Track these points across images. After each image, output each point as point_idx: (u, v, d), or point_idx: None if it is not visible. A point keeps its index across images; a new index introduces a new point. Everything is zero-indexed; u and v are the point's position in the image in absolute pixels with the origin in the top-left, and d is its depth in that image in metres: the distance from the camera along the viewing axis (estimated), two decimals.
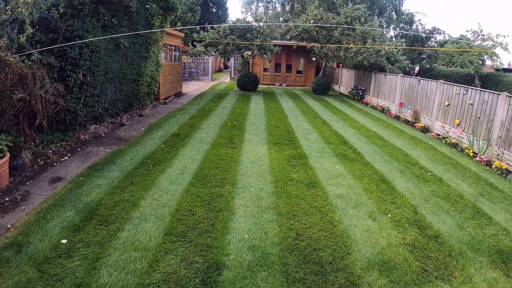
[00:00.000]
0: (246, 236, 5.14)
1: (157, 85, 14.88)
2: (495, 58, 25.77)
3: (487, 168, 9.35)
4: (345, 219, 5.82)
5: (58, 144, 8.57)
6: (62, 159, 7.87)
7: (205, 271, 4.33)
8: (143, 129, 11.25)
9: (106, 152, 8.60)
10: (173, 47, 19.02)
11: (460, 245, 5.38)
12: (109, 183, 6.66)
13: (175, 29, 18.73)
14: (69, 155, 8.21)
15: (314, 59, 26.37)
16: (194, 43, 24.36)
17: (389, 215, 6.08)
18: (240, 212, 5.82)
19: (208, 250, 4.74)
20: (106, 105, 10.55)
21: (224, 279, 4.20)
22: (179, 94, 20.04)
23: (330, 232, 5.39)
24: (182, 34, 20.92)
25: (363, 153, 9.72)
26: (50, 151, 8.01)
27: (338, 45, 20.11)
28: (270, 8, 27.93)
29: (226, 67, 47.77)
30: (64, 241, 4.73)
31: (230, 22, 22.64)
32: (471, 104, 11.21)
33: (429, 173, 8.38)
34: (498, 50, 25.43)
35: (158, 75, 14.73)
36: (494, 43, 25.45)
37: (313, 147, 9.93)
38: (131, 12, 11.20)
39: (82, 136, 9.55)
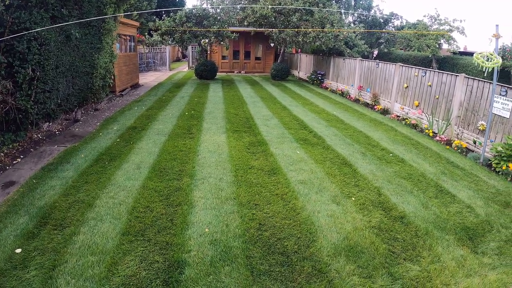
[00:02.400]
0: (207, 230, 4.93)
1: (112, 77, 14.27)
2: (452, 41, 26.84)
3: (447, 147, 9.62)
4: (309, 205, 5.71)
5: (10, 146, 8.06)
6: (14, 162, 7.37)
7: (166, 270, 4.08)
8: (98, 124, 10.70)
9: (60, 151, 8.07)
10: (128, 37, 18.55)
11: (426, 224, 5.42)
12: (63, 184, 6.22)
13: (125, 16, 17.98)
14: (22, 156, 7.70)
15: (272, 45, 26.35)
16: (151, 32, 23.54)
17: (353, 199, 6.04)
18: (200, 205, 5.58)
19: (168, 248, 4.50)
20: (59, 101, 9.88)
21: (186, 278, 3.97)
22: (136, 86, 19.35)
23: (294, 220, 5.26)
24: (137, 24, 20.17)
25: (324, 136, 9.71)
26: (2, 154, 7.52)
27: (296, 30, 20.10)
28: None
29: (184, 56, 46.70)
30: (18, 250, 4.31)
31: (187, 9, 22.03)
32: (430, 85, 11.52)
33: (391, 154, 8.49)
34: (454, 34, 26.55)
35: (113, 67, 14.12)
36: (451, 27, 26.47)
37: (273, 133, 9.81)
38: (82, 1, 10.59)
39: (35, 136, 9.04)
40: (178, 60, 45.76)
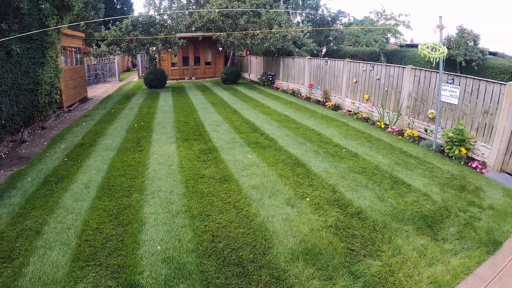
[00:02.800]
0: (159, 247, 4.61)
1: (59, 92, 13.39)
2: (398, 35, 27.76)
3: (400, 137, 9.74)
4: (262, 210, 5.48)
5: None
6: None
7: None
8: (45, 143, 9.96)
9: (6, 176, 7.40)
10: (73, 49, 17.70)
11: (384, 217, 5.35)
12: (10, 212, 5.70)
13: (71, 27, 17.08)
14: None
15: (221, 49, 26.04)
16: (99, 43, 22.56)
17: (308, 199, 5.87)
18: (151, 222, 5.24)
19: (120, 271, 4.17)
20: (3, 122, 9.13)
21: None
22: (84, 100, 18.40)
23: (248, 228, 5.01)
24: (83, 35, 19.23)
25: (276, 138, 9.55)
26: None
27: (244, 32, 19.96)
28: (174, 1, 26.84)
29: (134, 65, 45.33)
30: None
31: (133, 17, 21.31)
32: (378, 79, 11.70)
33: (344, 150, 8.44)
34: (401, 28, 27.45)
35: (59, 82, 13.24)
36: (397, 21, 27.38)
37: (224, 139, 9.52)
38: (22, 14, 9.93)
39: None
40: (128, 70, 44.44)
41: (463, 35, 19.69)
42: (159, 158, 8.02)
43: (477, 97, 8.05)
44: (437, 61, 8.19)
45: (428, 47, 8.30)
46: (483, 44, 19.99)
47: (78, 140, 10.01)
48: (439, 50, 8.10)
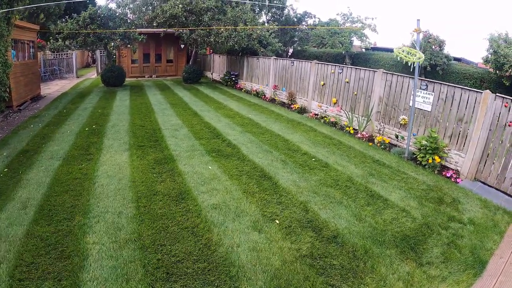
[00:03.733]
0: None
1: (8, 90, 12.00)
2: (364, 38, 27.66)
3: (370, 144, 9.22)
4: (226, 238, 4.67)
5: None
6: None
7: None
8: None
9: None
10: (26, 43, 15.97)
11: (364, 241, 4.74)
12: None
13: (28, 19, 15.45)
14: None
15: (183, 46, 24.93)
16: (57, 36, 20.78)
17: (277, 221, 5.11)
18: (94, 254, 4.34)
19: None
20: None
21: None
22: (37, 98, 16.75)
23: (209, 262, 4.20)
24: (37, 27, 17.57)
25: (239, 145, 8.73)
26: None
27: (208, 29, 18.99)
28: None
29: (94, 61, 43.05)
30: None
31: (91, 10, 19.76)
32: (347, 82, 11.17)
33: (313, 159, 7.77)
34: (366, 31, 27.34)
35: (8, 78, 11.86)
36: (363, 24, 27.24)
37: (182, 146, 8.61)
38: None
39: None
40: (88, 65, 42.10)
41: (429, 40, 19.65)
42: (108, 170, 7.02)
43: (451, 104, 7.75)
44: (414, 65, 7.77)
45: (403, 51, 7.84)
46: (448, 50, 20.00)
47: (22, 146, 8.75)
48: (415, 55, 7.66)
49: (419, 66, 7.89)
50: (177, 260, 4.22)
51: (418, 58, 7.65)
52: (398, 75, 9.34)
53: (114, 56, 23.23)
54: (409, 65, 7.84)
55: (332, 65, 12.30)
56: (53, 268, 4.10)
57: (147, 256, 4.29)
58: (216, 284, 3.83)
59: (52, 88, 20.83)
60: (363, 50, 28.79)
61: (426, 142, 7.74)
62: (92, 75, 30.34)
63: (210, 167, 7.14)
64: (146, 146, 8.66)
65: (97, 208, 5.49)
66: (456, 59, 21.86)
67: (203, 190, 6.06)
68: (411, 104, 8.40)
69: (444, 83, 8.06)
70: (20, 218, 5.20)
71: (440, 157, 7.57)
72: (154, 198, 5.79)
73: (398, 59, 7.97)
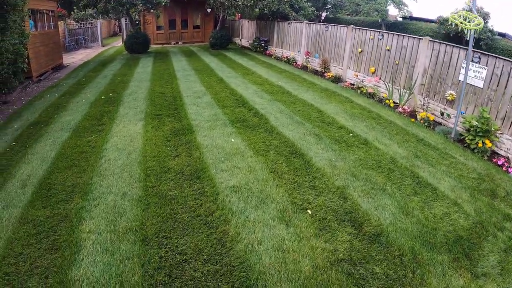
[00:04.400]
0: None
1: (26, 60, 11.27)
2: (402, 6, 25.64)
3: (412, 120, 8.01)
4: (245, 232, 3.73)
5: None
6: None
7: None
8: (1, 122, 8.02)
9: None
10: (45, 12, 15.14)
11: (412, 242, 3.76)
12: None
13: None
14: None
15: (209, 10, 23.60)
16: (80, 5, 19.89)
17: (309, 212, 4.13)
18: (88, 247, 3.57)
19: None
20: None
21: None
22: (59, 67, 16.06)
23: (223, 263, 3.31)
24: None
25: (267, 115, 7.66)
26: None
27: None
28: None
29: (120, 29, 42.61)
30: None
31: None
32: (388, 50, 9.79)
33: (351, 134, 6.67)
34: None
35: (26, 49, 11.12)
36: None
37: (204, 115, 7.64)
38: None
39: None
40: (115, 34, 41.21)
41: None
42: (118, 142, 6.17)
43: (507, 82, 6.40)
44: (469, 34, 6.42)
45: (460, 17, 6.48)
46: (492, 23, 18.06)
47: (34, 117, 8.02)
48: (475, 21, 6.31)
49: (472, 36, 6.53)
50: (183, 259, 3.35)
51: (476, 24, 6.31)
52: (446, 44, 7.94)
53: (138, 23, 22.37)
54: (465, 33, 6.49)
55: (371, 30, 10.89)
56: (42, 262, 3.40)
57: (148, 252, 3.45)
58: None
59: (76, 58, 20.19)
60: (400, 19, 26.69)
61: (476, 123, 6.52)
62: (118, 43, 29.64)
63: (233, 140, 6.17)
64: (163, 115, 7.73)
65: (99, 188, 4.70)
66: (500, 34, 19.82)
67: (223, 167, 5.12)
68: (460, 79, 7.19)
69: (500, 57, 6.71)
70: (17, 199, 4.53)
71: (491, 142, 6.35)
72: (164, 177, 4.91)
73: (453, 26, 6.61)
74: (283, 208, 4.13)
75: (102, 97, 9.53)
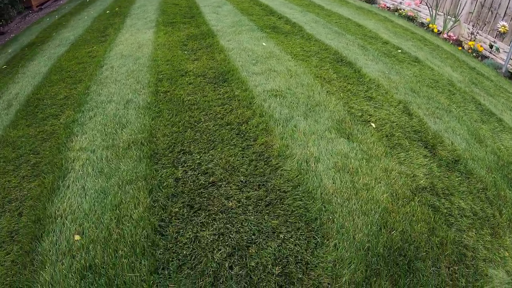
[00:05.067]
0: (77, 237, 2.10)
1: None
2: None
3: (459, 48, 6.65)
4: (295, 145, 2.65)
5: None
6: None
7: None
8: None
9: None
10: None
11: (492, 175, 2.80)
12: None
13: None
14: None
15: None
16: None
17: (373, 125, 3.04)
18: (77, 169, 2.57)
19: None
20: None
21: None
22: None
23: (269, 188, 2.29)
24: None
25: (301, 24, 6.23)
26: None
27: None
28: None
29: None
30: None
31: None
32: None
33: (399, 50, 5.36)
34: None
35: None
36: None
37: (226, 22, 6.24)
38: None
39: None
40: None
41: None
42: (124, 50, 4.91)
43: None
44: None
45: None
46: None
47: (30, 39, 6.64)
48: None
49: None
50: (209, 181, 2.31)
51: None
52: None
53: None
54: None
55: None
56: (17, 194, 2.42)
57: (159, 173, 2.41)
58: (283, 234, 1.93)
59: None
60: None
61: None
62: None
63: (264, 44, 4.87)
64: (177, 22, 6.30)
65: (97, 97, 3.59)
66: None
67: (256, 70, 3.91)
68: None
69: None
70: None
71: None
72: (181, 81, 3.73)
73: None
74: (339, 118, 3.03)
75: (107, 12, 7.97)
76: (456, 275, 1.94)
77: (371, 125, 2.98)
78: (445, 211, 2.27)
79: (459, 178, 2.61)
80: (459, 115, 3.59)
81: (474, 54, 6.45)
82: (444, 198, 2.37)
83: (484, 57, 6.52)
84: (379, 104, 3.37)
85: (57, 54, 5.20)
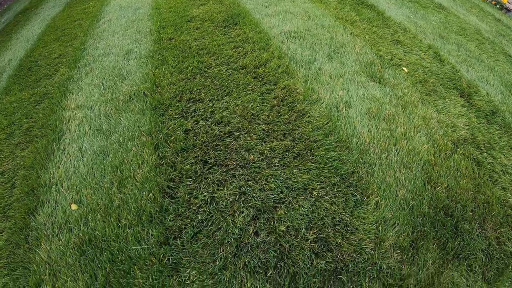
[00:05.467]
0: (74, 206, 1.73)
1: None
2: None
3: None
4: (322, 88, 2.23)
5: None
6: None
7: None
8: None
9: None
10: None
11: None
12: None
13: None
14: None
15: None
16: None
17: (404, 69, 2.60)
18: (72, 129, 2.18)
19: None
20: None
21: None
22: None
23: (296, 138, 1.91)
24: None
25: None
26: None
27: None
28: None
29: None
30: None
31: None
32: None
33: None
34: None
35: None
36: None
37: None
38: None
39: None
40: None
41: None
42: (122, 2, 4.32)
43: None
44: None
45: None
46: None
47: (24, 6, 5.91)
48: None
49: None
50: (225, 132, 1.92)
51: None
52: None
53: None
54: None
55: None
56: (10, 164, 2.08)
57: (166, 125, 2.02)
58: (316, 191, 1.59)
59: None
60: None
61: None
62: None
63: None
64: None
65: (93, 51, 3.10)
66: None
67: (269, 13, 3.40)
68: None
69: None
70: None
71: None
72: (187, 26, 3.22)
73: None
74: (367, 60, 2.59)
75: None
76: (502, 238, 1.63)
77: (403, 69, 2.56)
78: (488, 166, 1.92)
79: (498, 131, 2.25)
80: (491, 65, 3.15)
81: (497, 6, 5.86)
82: (486, 152, 2.02)
83: (508, 10, 5.94)
84: (408, 48, 2.91)
85: (51, 16, 4.63)
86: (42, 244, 1.54)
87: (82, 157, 1.91)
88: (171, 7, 3.78)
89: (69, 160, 1.92)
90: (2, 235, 1.67)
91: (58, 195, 1.73)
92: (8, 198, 1.83)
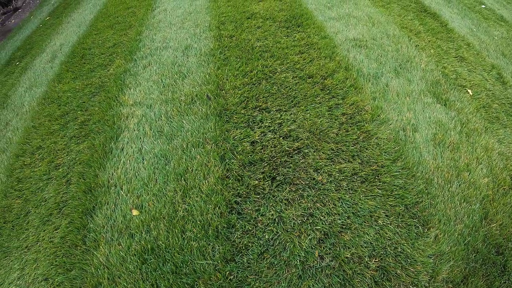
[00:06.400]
0: (135, 212, 1.67)
1: None
2: None
3: None
4: (390, 108, 2.07)
5: None
6: None
7: None
8: (38, 2, 5.84)
9: None
10: None
11: None
12: None
13: None
14: None
15: None
16: None
17: (469, 91, 2.40)
18: (131, 128, 2.08)
19: None
20: None
21: None
22: None
23: (363, 159, 1.78)
24: None
25: None
26: None
27: None
28: None
29: None
30: None
31: None
32: None
33: (483, 6, 4.36)
34: None
35: None
36: None
37: None
38: None
39: None
40: None
41: None
42: None
43: None
44: None
45: None
46: None
47: None
48: None
49: None
50: (293, 148, 1.81)
51: None
52: None
53: None
54: None
55: None
56: (64, 158, 1.97)
57: (231, 135, 1.91)
58: (381, 220, 1.54)
59: None
60: None
61: None
62: None
63: None
64: None
65: (150, 43, 2.95)
66: None
67: (332, 15, 3.18)
68: None
69: None
70: (43, 75, 2.98)
71: None
72: (247, 24, 3.03)
73: None
74: (433, 79, 2.40)
75: None
76: None
77: (468, 92, 2.36)
78: None
79: None
80: None
81: None
82: None
83: None
84: (472, 67, 2.69)
85: (103, 0, 4.46)
86: (101, 247, 1.52)
87: (143, 160, 1.83)
88: (229, 1, 3.58)
89: (128, 161, 1.85)
90: (57, 232, 1.64)
91: (118, 198, 1.68)
92: (64, 195, 1.79)
